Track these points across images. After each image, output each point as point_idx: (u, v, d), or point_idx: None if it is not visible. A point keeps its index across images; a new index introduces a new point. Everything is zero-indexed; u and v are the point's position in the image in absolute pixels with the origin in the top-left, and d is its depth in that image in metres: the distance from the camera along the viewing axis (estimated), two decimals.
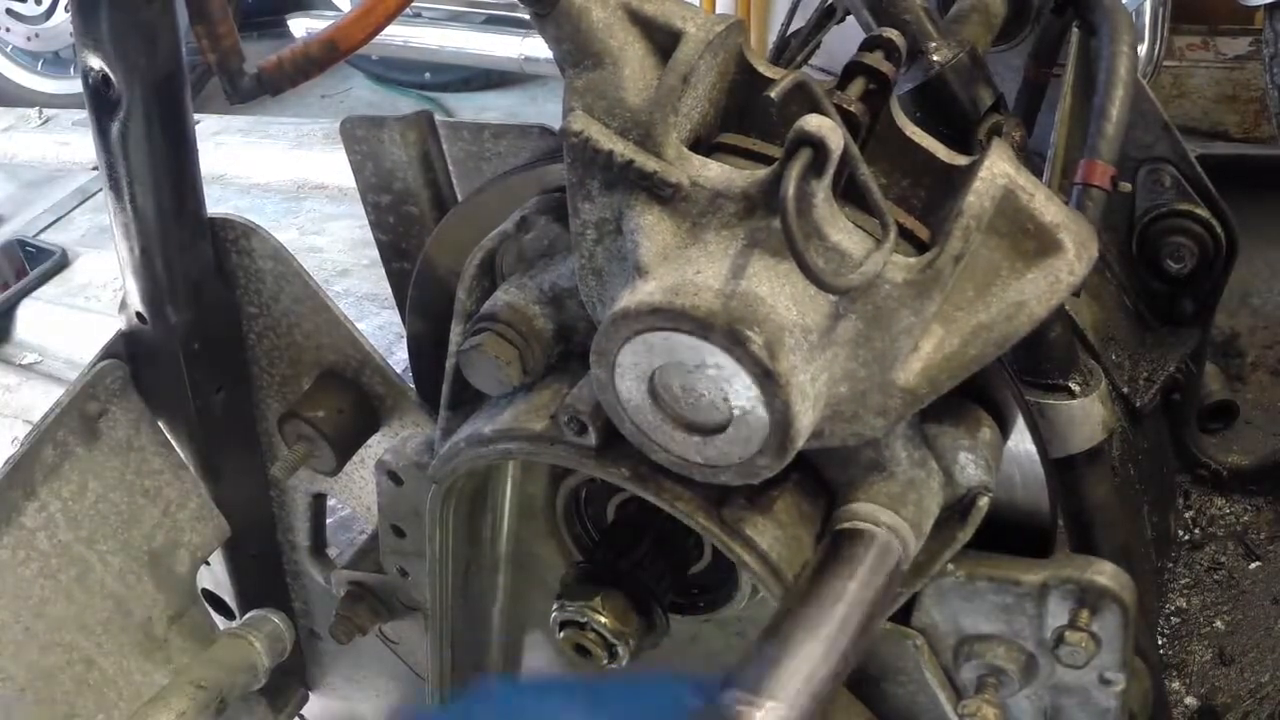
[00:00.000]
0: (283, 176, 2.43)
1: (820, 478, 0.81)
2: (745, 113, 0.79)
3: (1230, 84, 3.12)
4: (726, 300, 0.67)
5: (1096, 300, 1.56)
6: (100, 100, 0.92)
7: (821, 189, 0.67)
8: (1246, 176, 1.69)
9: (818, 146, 0.65)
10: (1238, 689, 1.50)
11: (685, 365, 0.69)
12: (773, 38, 1.61)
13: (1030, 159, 1.35)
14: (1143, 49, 2.52)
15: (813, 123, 0.65)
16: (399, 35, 3.84)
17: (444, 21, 3.95)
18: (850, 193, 0.72)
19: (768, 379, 0.67)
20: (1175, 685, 1.52)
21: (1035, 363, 1.17)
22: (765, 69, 0.78)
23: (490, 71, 4.25)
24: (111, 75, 0.90)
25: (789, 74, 0.72)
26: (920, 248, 0.74)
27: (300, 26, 3.98)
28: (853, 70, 0.75)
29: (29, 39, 4.28)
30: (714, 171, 0.72)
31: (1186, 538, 1.66)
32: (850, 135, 0.69)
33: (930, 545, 0.81)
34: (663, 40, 0.74)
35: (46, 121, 2.95)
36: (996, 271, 0.72)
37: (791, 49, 1.59)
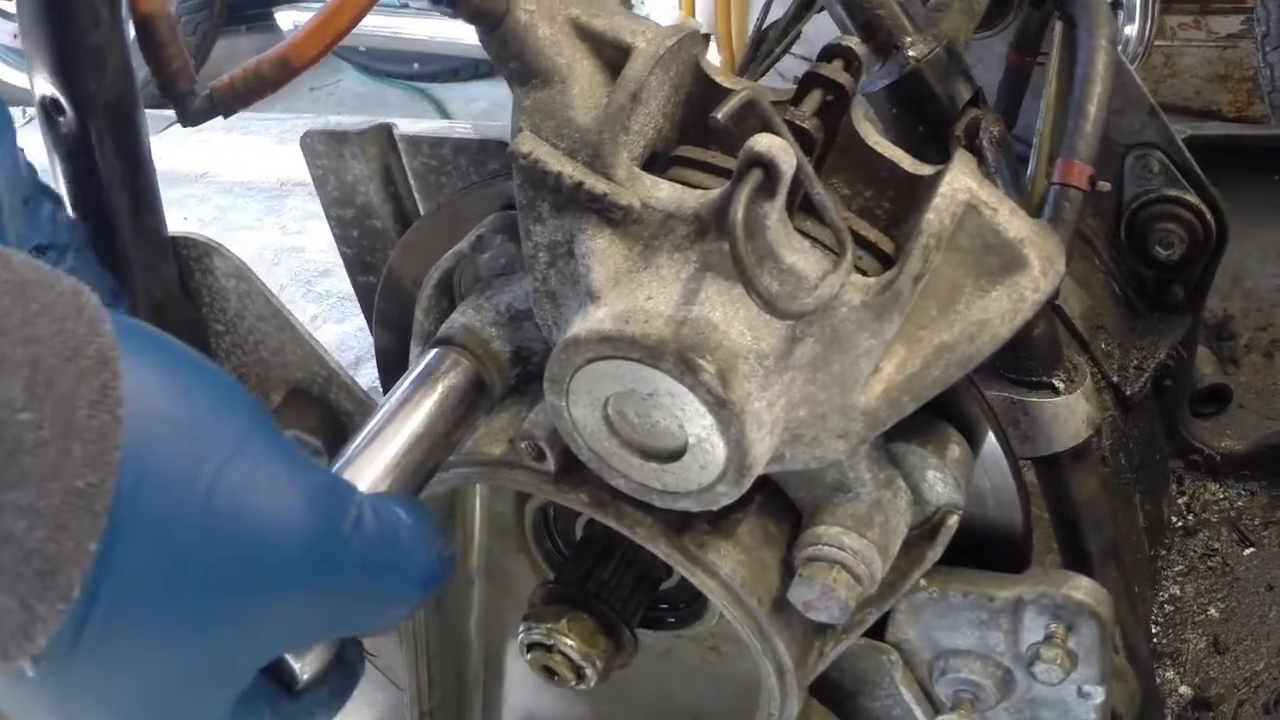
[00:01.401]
0: (265, 174, 2.42)
1: (786, 498, 0.80)
2: (704, 125, 0.77)
3: (1222, 63, 3.09)
4: (678, 327, 0.65)
5: (1085, 288, 1.55)
6: (52, 125, 0.91)
7: (774, 210, 0.65)
8: (1239, 157, 1.67)
9: (768, 167, 0.63)
10: (1232, 677, 1.50)
11: (639, 393, 0.68)
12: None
13: (1012, 150, 1.33)
14: (1134, 28, 2.49)
15: (762, 143, 0.63)
16: (387, 26, 3.82)
17: (431, 12, 3.92)
18: (810, 206, 0.70)
19: (721, 408, 0.65)
20: (1169, 674, 1.51)
21: (1019, 360, 1.16)
22: (723, 80, 0.76)
23: (479, 61, 4.21)
24: (62, 99, 0.88)
25: (742, 90, 0.70)
26: (885, 261, 0.72)
27: (287, 19, 3.95)
28: (809, 83, 0.73)
29: (16, 36, 4.25)
30: (665, 192, 0.70)
31: (1180, 524, 1.65)
32: (805, 152, 0.67)
33: (900, 564, 0.79)
34: (612, 56, 0.72)
35: (32, 120, 2.93)
36: (960, 289, 0.70)
37: (769, 40, 1.57)
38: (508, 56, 0.73)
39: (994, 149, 1.20)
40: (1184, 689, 1.50)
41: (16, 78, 4.35)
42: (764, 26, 1.57)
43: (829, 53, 0.76)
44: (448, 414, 0.79)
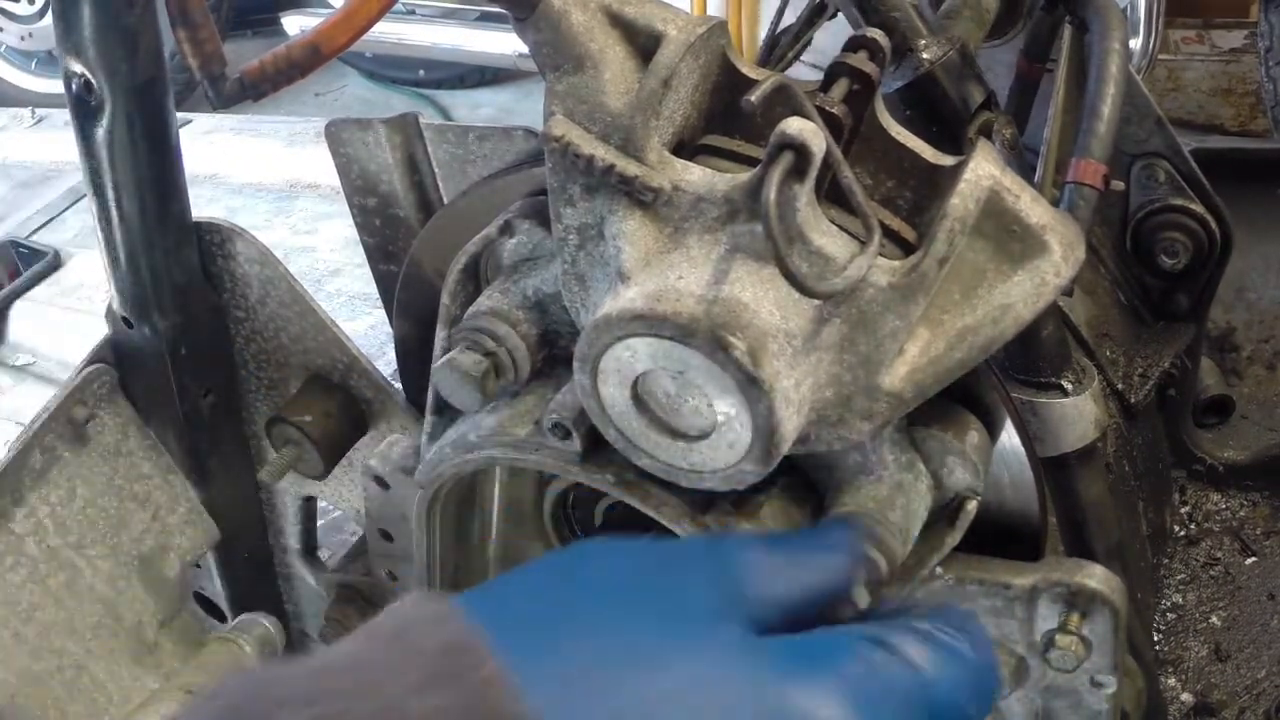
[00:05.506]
0: (275, 175, 2.43)
1: (808, 481, 0.81)
2: (729, 114, 0.78)
3: (1225, 77, 3.11)
4: (709, 306, 0.66)
5: (1091, 296, 1.56)
6: (82, 106, 0.92)
7: (804, 193, 0.67)
8: (1241, 170, 1.68)
9: (799, 150, 0.65)
10: (1234, 685, 1.50)
11: (668, 371, 0.69)
12: (763, 35, 1.60)
13: (1023, 155, 1.34)
14: (1138, 42, 2.51)
15: (794, 126, 0.64)
16: (393, 33, 3.84)
17: (437, 19, 3.95)
18: (834, 194, 0.72)
19: (751, 385, 0.66)
20: (1171, 682, 1.52)
21: (1028, 361, 1.17)
22: (749, 70, 0.78)
23: (484, 68, 4.24)
24: (93, 80, 0.90)
25: (771, 76, 0.71)
26: (906, 249, 0.74)
27: (294, 24, 3.97)
28: (836, 71, 0.75)
29: (22, 38, 4.27)
30: (696, 176, 0.71)
31: (1182, 533, 1.66)
32: (833, 137, 0.69)
33: (918, 549, 0.80)
34: (644, 43, 0.73)
35: (40, 121, 2.95)
36: (982, 274, 0.71)
37: (782, 46, 1.58)
38: (541, 43, 0.74)
39: (1006, 151, 1.22)
40: (1185, 696, 1.51)
41: (19, 78, 4.36)
42: (777, 32, 1.59)
43: (854, 43, 0.77)
44: None
